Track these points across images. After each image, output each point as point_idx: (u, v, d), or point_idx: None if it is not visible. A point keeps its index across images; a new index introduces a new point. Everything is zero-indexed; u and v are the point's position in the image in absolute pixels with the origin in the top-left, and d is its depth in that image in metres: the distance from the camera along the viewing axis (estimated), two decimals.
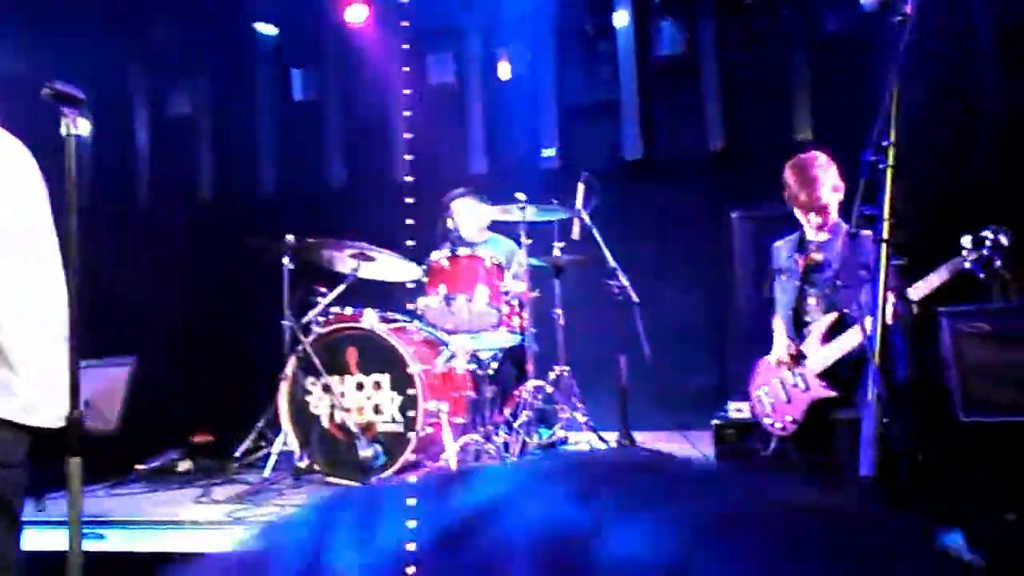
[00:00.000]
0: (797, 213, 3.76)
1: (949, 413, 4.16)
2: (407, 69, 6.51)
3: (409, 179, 5.96)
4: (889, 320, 3.23)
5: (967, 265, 3.05)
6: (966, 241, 3.04)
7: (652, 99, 6.11)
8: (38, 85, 2.25)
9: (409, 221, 6.06)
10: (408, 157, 6.11)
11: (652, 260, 5.70)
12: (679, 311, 5.49)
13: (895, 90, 1.61)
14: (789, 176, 3.71)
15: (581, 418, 4.76)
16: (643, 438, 4.86)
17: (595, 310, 5.29)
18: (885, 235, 1.57)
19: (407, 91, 6.38)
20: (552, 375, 4.95)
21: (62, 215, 2.30)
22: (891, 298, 3.19)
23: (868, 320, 3.26)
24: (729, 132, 5.86)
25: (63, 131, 2.23)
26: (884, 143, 1.59)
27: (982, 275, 3.02)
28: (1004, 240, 2.96)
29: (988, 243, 2.99)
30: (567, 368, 4.93)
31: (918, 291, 3.17)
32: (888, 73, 1.61)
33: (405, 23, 6.38)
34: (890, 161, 1.59)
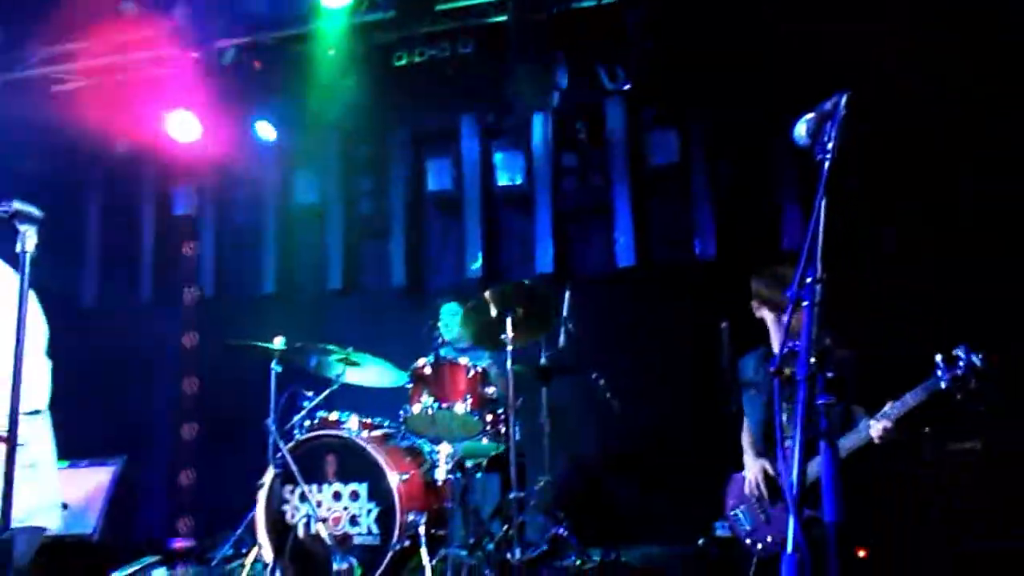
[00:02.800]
0: (769, 323, 3.72)
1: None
2: None
3: None
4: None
5: (943, 385, 2.97)
6: (939, 360, 2.97)
7: (645, 206, 6.17)
8: None
9: None
10: None
11: (642, 367, 5.65)
12: (667, 420, 5.39)
13: (820, 224, 1.60)
14: (758, 283, 3.71)
15: (565, 532, 4.61)
16: (630, 554, 4.68)
17: (582, 418, 5.22)
18: (807, 373, 1.53)
19: None
20: (538, 486, 4.84)
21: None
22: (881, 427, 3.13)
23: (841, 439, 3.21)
24: (721, 241, 5.89)
25: (18, 248, 2.27)
26: (809, 278, 1.57)
27: (959, 396, 2.93)
28: (976, 361, 2.90)
29: (961, 363, 2.92)
30: (551, 479, 4.81)
31: (894, 412, 3.10)
32: (813, 207, 1.60)
33: None
34: (816, 298, 1.56)
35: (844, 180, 1.70)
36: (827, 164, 1.66)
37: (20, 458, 2.43)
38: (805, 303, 1.56)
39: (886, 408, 3.15)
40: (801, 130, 1.79)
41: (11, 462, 2.18)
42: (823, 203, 1.61)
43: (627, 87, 6.08)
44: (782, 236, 5.77)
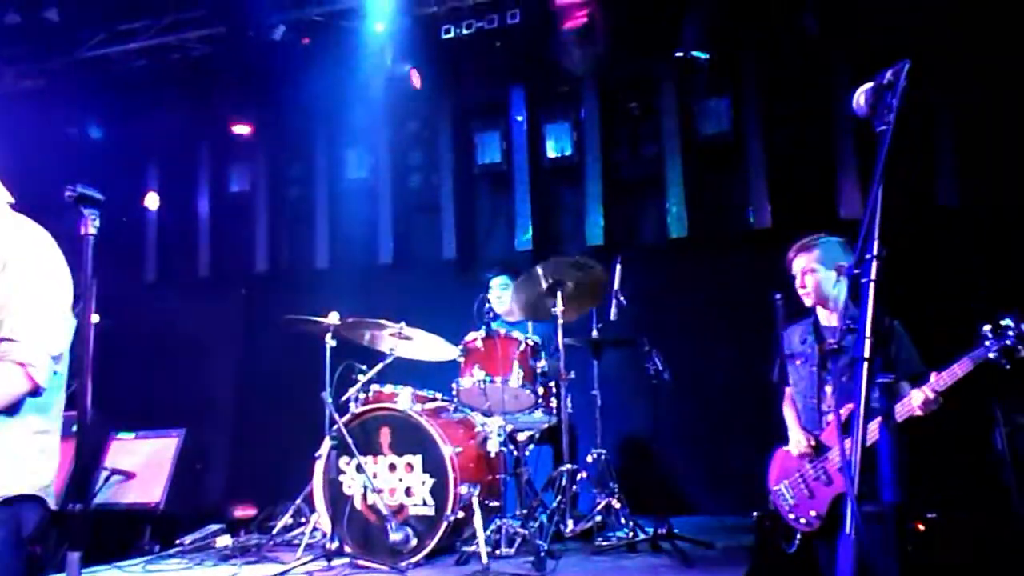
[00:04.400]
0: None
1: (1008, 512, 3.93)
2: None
3: None
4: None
5: (991, 355, 2.91)
6: (987, 330, 2.91)
7: (697, 176, 6.08)
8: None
9: None
10: None
11: (695, 339, 5.61)
12: (720, 392, 5.36)
13: (878, 199, 1.56)
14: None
15: (617, 504, 4.63)
16: (682, 525, 4.68)
17: (633, 391, 5.21)
18: (866, 353, 1.50)
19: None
20: (590, 458, 4.86)
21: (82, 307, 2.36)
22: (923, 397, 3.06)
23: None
24: (776, 210, 5.79)
25: (83, 231, 2.31)
26: (868, 256, 1.53)
27: (1008, 366, 2.87)
28: None
29: (1011, 332, 2.85)
30: (604, 451, 4.83)
31: (940, 383, 3.04)
32: (871, 183, 1.56)
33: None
34: (872, 276, 1.53)
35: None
36: (887, 136, 1.62)
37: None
38: (864, 280, 1.53)
39: (932, 380, 3.08)
40: (860, 100, 1.73)
41: (83, 432, 2.22)
42: (881, 177, 1.57)
43: (678, 54, 5.98)
44: (839, 205, 5.64)
